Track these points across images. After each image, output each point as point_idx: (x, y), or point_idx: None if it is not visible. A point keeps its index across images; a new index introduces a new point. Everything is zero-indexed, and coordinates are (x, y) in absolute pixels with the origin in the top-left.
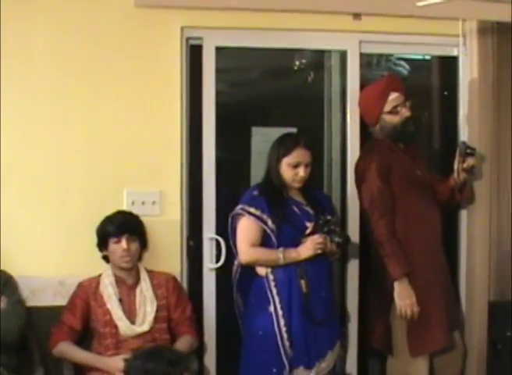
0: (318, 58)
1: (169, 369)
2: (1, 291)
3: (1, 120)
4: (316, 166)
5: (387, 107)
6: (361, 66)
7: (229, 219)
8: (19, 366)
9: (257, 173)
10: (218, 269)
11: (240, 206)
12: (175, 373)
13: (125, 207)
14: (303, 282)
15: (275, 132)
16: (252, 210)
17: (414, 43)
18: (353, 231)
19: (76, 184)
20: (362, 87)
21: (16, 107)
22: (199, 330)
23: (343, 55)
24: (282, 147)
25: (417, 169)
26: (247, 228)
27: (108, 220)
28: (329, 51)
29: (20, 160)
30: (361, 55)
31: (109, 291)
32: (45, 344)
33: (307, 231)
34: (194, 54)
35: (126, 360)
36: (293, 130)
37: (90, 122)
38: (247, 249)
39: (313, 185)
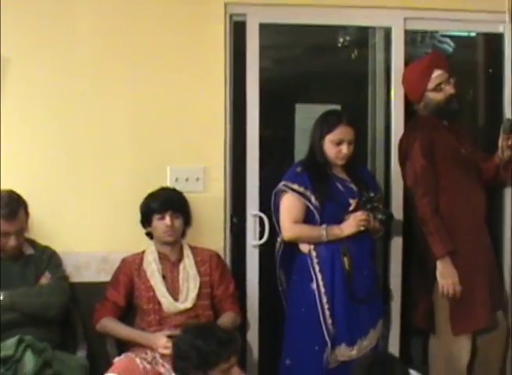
0: (363, 35)
1: (218, 349)
2: (45, 267)
3: (47, 100)
4: (360, 143)
5: (431, 84)
6: (406, 43)
7: (272, 196)
8: (63, 341)
9: (300, 150)
10: (261, 246)
11: (283, 183)
12: (223, 354)
13: (168, 184)
14: (346, 259)
15: (319, 109)
16: (295, 187)
17: (459, 20)
18: (397, 209)
19: (121, 161)
20: (406, 64)
21: (60, 87)
22: (242, 307)
23: (387, 32)
24: (326, 124)
25: (461, 147)
26: (290, 205)
27: (152, 197)
28: (374, 28)
29: (65, 138)
30: (406, 32)
31: (153, 268)
32: (89, 320)
33: (351, 208)
34: (238, 31)
35: (170, 336)
36: (337, 107)
37: (133, 99)
38: (290, 226)
39: (357, 162)
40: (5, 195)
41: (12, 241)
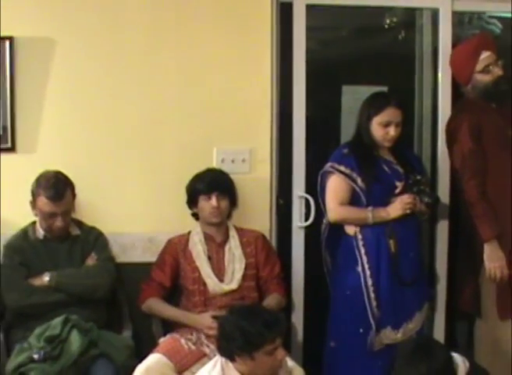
0: (410, 16)
1: (263, 330)
2: (92, 248)
3: (94, 81)
4: (406, 125)
5: (479, 66)
6: (453, 24)
7: (319, 177)
8: (109, 321)
9: (346, 131)
10: (306, 228)
11: (329, 164)
12: (268, 336)
13: (215, 165)
14: (391, 242)
15: (366, 90)
16: (342, 168)
17: (506, 0)
18: (444, 192)
19: (167, 143)
20: (454, 46)
21: (107, 68)
22: (287, 289)
23: (434, 13)
24: (373, 106)
25: (509, 130)
26: (336, 186)
27: (198, 178)
28: (421, 9)
29: (111, 120)
30: (453, 13)
31: (198, 249)
32: (134, 300)
33: (397, 191)
34: (285, 12)
35: (216, 317)
36: (384, 88)
37: (181, 80)
38: (335, 207)
39: (403, 144)
40: (51, 176)
41: (58, 222)
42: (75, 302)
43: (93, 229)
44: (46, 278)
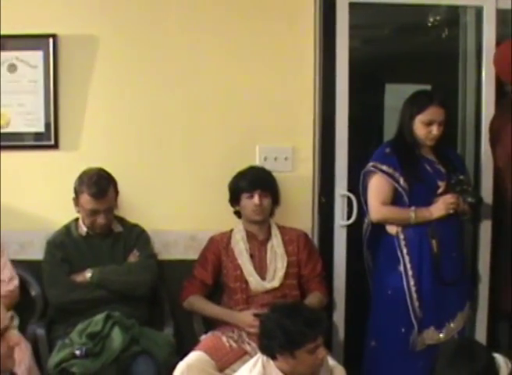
0: (453, 14)
1: (305, 329)
2: (134, 245)
3: (136, 78)
4: (449, 124)
5: None
6: (497, 22)
7: (361, 176)
8: (150, 318)
9: (389, 130)
10: (349, 226)
11: (371, 163)
12: (309, 334)
13: (257, 163)
14: (434, 242)
15: (409, 89)
16: (384, 168)
17: None
18: (487, 191)
19: (210, 140)
20: (498, 44)
21: (149, 65)
22: (328, 287)
23: (478, 11)
24: (416, 104)
25: None
26: (378, 186)
27: (241, 176)
28: (465, 7)
29: (154, 117)
30: (498, 10)
31: (240, 247)
32: (176, 298)
33: (439, 190)
34: (328, 10)
35: (257, 315)
36: (427, 87)
37: (224, 78)
38: (378, 207)
39: (446, 144)
40: (94, 174)
41: (100, 219)
42: (116, 299)
43: (135, 226)
44: (88, 274)
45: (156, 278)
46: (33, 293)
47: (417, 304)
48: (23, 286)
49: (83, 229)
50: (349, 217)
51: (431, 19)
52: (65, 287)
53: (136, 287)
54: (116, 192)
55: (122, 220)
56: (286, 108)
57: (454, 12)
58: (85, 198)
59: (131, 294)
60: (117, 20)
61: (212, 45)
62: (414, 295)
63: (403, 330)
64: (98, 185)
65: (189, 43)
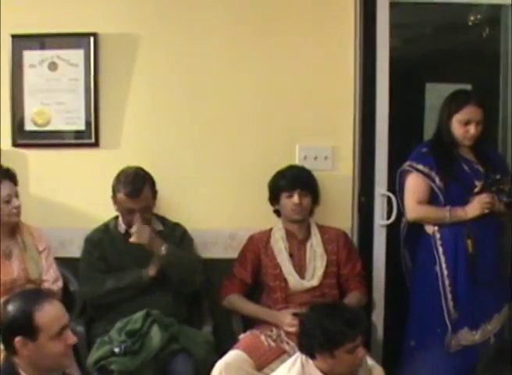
0: (494, 13)
1: (344, 328)
2: (179, 244)
3: (176, 77)
4: (490, 124)
5: None
6: None
7: (397, 176)
8: (189, 317)
9: (429, 129)
10: (388, 226)
11: (407, 163)
12: (349, 334)
13: (297, 162)
14: (469, 242)
15: (449, 88)
16: (420, 167)
17: None
18: None
19: (250, 139)
20: None
21: (189, 63)
22: (368, 287)
23: None
24: (454, 103)
25: None
26: (414, 185)
27: (281, 175)
28: (506, 6)
29: (194, 116)
30: None
31: (280, 245)
32: (215, 296)
33: (476, 190)
34: (368, 9)
35: (296, 314)
36: (467, 86)
37: (264, 77)
38: (414, 206)
39: (486, 143)
40: (131, 173)
41: (136, 219)
42: (166, 290)
43: (177, 225)
44: (163, 249)
45: (203, 277)
46: (72, 290)
47: (451, 304)
48: (63, 283)
49: (123, 227)
50: (389, 217)
51: (472, 18)
52: (97, 282)
53: (195, 276)
54: (154, 192)
55: (163, 219)
56: (326, 107)
57: (495, 10)
58: (121, 197)
59: (188, 282)
60: (157, 19)
61: (253, 44)
62: (449, 295)
63: (438, 330)
64: (133, 184)
65: (229, 42)
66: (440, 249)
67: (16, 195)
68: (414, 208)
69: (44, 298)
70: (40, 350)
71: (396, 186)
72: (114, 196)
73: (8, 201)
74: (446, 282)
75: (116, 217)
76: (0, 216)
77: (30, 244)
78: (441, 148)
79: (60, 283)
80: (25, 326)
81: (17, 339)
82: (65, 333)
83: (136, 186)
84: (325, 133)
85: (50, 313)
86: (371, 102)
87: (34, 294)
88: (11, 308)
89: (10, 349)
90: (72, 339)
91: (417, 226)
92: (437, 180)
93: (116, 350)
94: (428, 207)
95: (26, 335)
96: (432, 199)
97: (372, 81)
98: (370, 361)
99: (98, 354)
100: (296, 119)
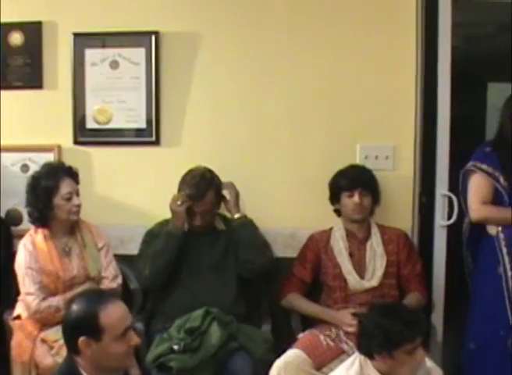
0: None
1: (404, 329)
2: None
3: (238, 76)
4: None
5: None
6: None
7: (460, 176)
8: (249, 315)
9: (492, 129)
10: (449, 227)
11: (471, 163)
12: (408, 335)
13: (358, 161)
14: None
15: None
16: (484, 167)
17: None
18: None
19: (311, 139)
20: None
21: (251, 63)
22: (428, 288)
23: None
24: None
25: None
26: (478, 185)
27: (342, 174)
28: None
29: (255, 115)
30: None
31: (340, 245)
32: (274, 295)
33: None
34: (430, 8)
35: (355, 314)
36: None
37: (325, 77)
38: (477, 207)
39: None
40: (197, 174)
41: (197, 221)
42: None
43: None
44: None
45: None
46: (132, 287)
47: None
48: (123, 280)
49: (186, 226)
50: (449, 217)
51: None
52: (148, 258)
53: (264, 255)
54: (218, 196)
55: (224, 218)
56: (387, 106)
57: None
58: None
59: (256, 259)
60: (219, 17)
61: (314, 44)
62: None
63: (501, 332)
64: (197, 187)
65: (290, 42)
66: (504, 250)
67: (77, 194)
68: (477, 209)
69: (109, 298)
70: (103, 350)
71: (458, 186)
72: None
73: (68, 199)
74: (510, 284)
75: None
76: (60, 213)
77: (89, 241)
78: (504, 148)
79: (119, 280)
80: (90, 327)
81: (81, 339)
82: (129, 334)
83: (200, 189)
84: (386, 133)
85: (115, 314)
86: (432, 102)
87: (99, 295)
88: (75, 308)
89: (73, 349)
90: (135, 340)
91: (479, 227)
92: (501, 179)
93: (175, 347)
94: (493, 207)
95: (91, 335)
96: (496, 199)
97: (434, 81)
98: (429, 363)
99: (157, 351)
100: (358, 119)
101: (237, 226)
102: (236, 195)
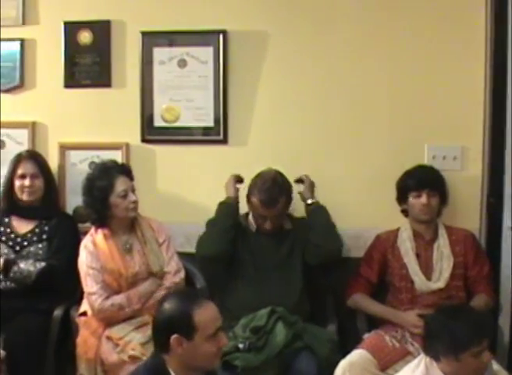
0: None
1: (471, 332)
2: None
3: (304, 76)
4: None
5: None
6: None
7: None
8: (314, 315)
9: None
10: None
11: None
12: (475, 338)
13: (425, 161)
14: None
15: None
16: None
17: None
18: None
19: (378, 139)
20: None
21: (318, 62)
22: (495, 290)
23: None
24: None
25: None
26: None
27: (409, 174)
28: None
29: (322, 115)
30: None
31: (407, 246)
32: (340, 295)
33: None
34: (499, 4)
35: (422, 315)
36: None
37: (393, 77)
38: None
39: None
40: (269, 179)
41: (267, 225)
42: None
43: (303, 219)
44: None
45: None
46: (198, 285)
47: None
48: (189, 278)
49: (254, 226)
50: None
51: None
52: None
53: (335, 241)
54: (289, 200)
55: (291, 216)
56: (455, 107)
57: None
58: (255, 202)
59: (327, 245)
60: (287, 16)
61: (381, 44)
62: None
63: None
64: (269, 193)
65: (358, 42)
66: None
67: (132, 190)
68: None
69: (202, 298)
70: (194, 349)
71: None
72: (249, 195)
73: (124, 196)
74: None
75: (247, 214)
76: (117, 211)
77: (149, 237)
78: None
79: (182, 275)
80: (183, 325)
81: (173, 337)
82: (220, 334)
83: (272, 195)
84: (454, 133)
85: (208, 314)
86: (501, 102)
87: (192, 295)
88: (168, 306)
89: (162, 346)
90: (224, 341)
91: None
92: None
93: (241, 346)
94: None
95: (183, 334)
96: None
97: (503, 81)
98: (495, 366)
99: (223, 349)
100: (425, 119)
101: (310, 211)
102: (311, 183)
